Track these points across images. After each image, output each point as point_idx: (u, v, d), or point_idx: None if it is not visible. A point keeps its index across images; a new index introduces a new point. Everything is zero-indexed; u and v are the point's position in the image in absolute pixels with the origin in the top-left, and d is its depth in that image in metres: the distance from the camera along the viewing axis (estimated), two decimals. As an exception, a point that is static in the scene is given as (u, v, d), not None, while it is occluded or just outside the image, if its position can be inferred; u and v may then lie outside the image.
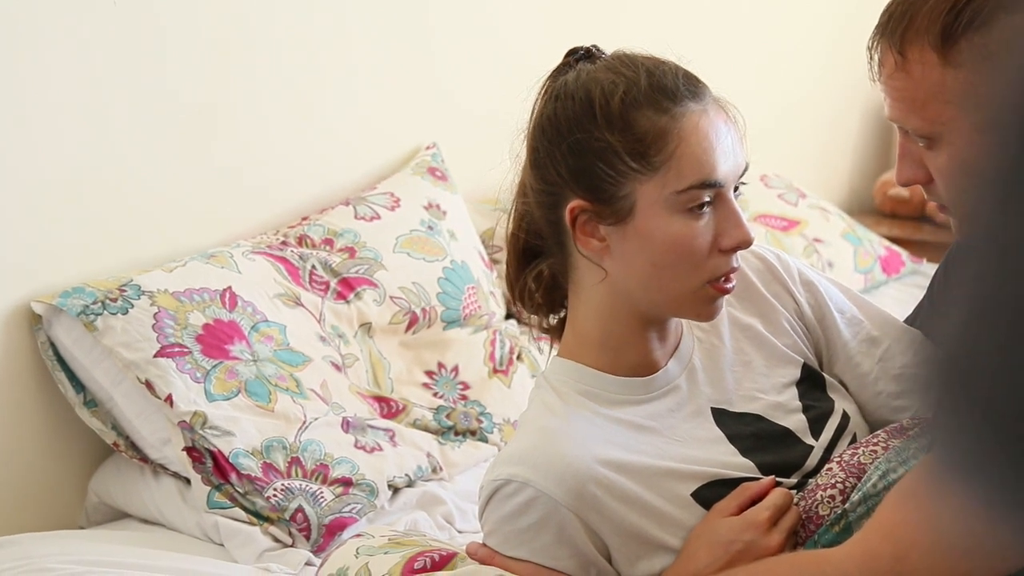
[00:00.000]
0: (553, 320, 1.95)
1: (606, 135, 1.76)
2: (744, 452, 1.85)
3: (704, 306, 1.82)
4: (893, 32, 1.74)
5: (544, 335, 2.00)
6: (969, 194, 0.74)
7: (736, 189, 1.81)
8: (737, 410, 1.89)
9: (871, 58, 1.79)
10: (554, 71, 1.87)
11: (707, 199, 1.77)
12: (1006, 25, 1.65)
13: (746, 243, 1.79)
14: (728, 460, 1.84)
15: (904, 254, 4.27)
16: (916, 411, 1.95)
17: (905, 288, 4.06)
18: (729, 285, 1.80)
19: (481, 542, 1.86)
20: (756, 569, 1.74)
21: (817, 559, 1.72)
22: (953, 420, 0.71)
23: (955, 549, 1.56)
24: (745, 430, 1.87)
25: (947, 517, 1.46)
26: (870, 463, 1.78)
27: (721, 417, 1.88)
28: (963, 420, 0.70)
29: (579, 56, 1.87)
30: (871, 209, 4.87)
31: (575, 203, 1.79)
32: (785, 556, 1.75)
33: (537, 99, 1.87)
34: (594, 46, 1.88)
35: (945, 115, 1.71)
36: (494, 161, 1.91)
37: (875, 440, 1.83)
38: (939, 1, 1.70)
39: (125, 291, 2.68)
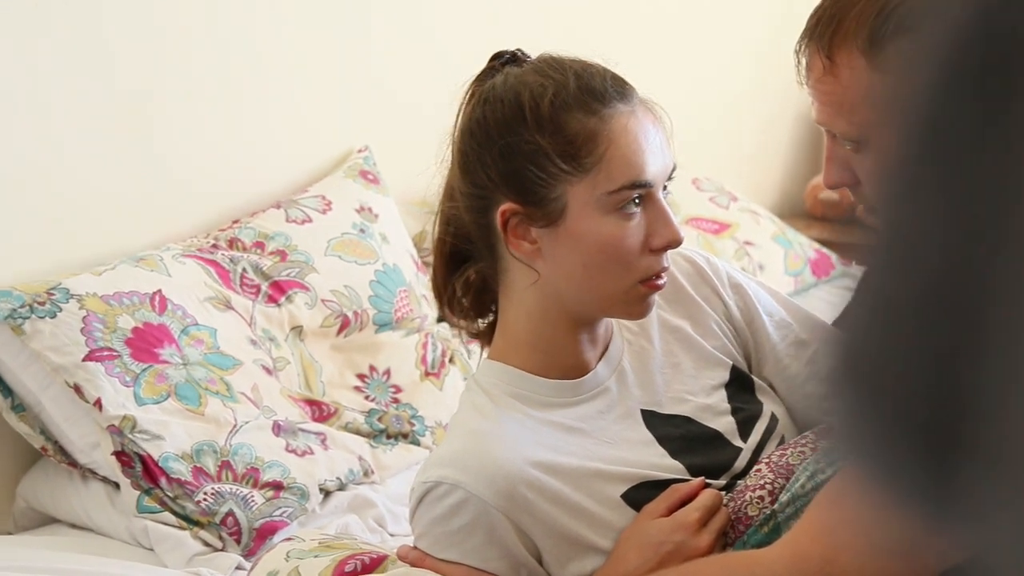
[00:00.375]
0: (482, 324, 1.96)
1: (536, 138, 1.77)
2: (673, 454, 1.86)
3: (636, 305, 1.83)
4: (822, 36, 1.75)
5: (473, 340, 2.00)
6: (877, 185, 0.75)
7: (665, 189, 1.82)
8: (666, 412, 1.90)
9: (799, 61, 1.80)
10: (479, 75, 1.88)
11: (637, 199, 1.77)
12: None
13: (676, 242, 1.80)
14: (657, 462, 1.84)
15: (834, 257, 4.29)
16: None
17: (835, 291, 4.08)
18: (660, 283, 1.82)
19: (412, 545, 1.86)
20: (687, 570, 1.75)
21: (747, 560, 1.73)
22: (857, 416, 0.72)
23: (883, 550, 1.57)
24: (674, 432, 1.88)
25: (872, 517, 1.47)
26: (798, 464, 1.79)
27: (651, 419, 1.89)
28: (865, 416, 0.71)
29: (504, 60, 1.87)
30: (802, 212, 4.89)
31: (506, 206, 1.79)
32: (715, 557, 1.76)
33: (463, 103, 1.87)
34: (519, 50, 1.88)
35: (871, 119, 1.71)
36: (426, 164, 1.91)
37: (803, 441, 1.84)
38: (867, 5, 1.71)
39: (53, 295, 2.66)
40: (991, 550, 0.68)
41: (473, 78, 1.88)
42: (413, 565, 1.82)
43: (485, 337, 1.97)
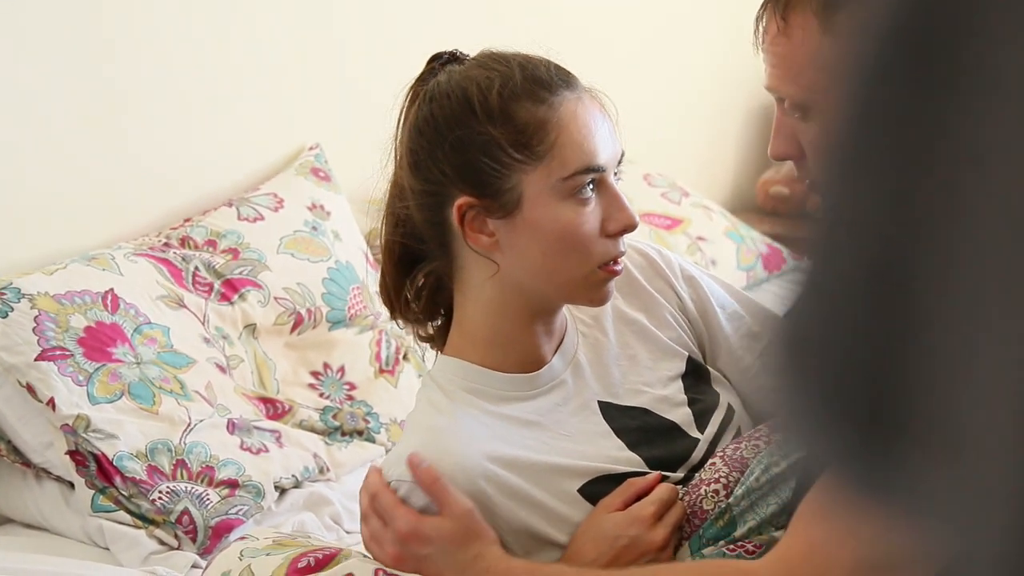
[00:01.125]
0: (431, 329, 1.96)
1: (488, 128, 1.77)
2: (631, 446, 1.87)
3: (596, 291, 1.84)
4: None
5: (425, 342, 2.00)
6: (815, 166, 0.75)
7: (616, 175, 1.84)
8: (624, 403, 1.90)
9: (757, 28, 1.81)
10: (419, 77, 1.88)
11: (591, 184, 1.79)
12: None
13: (632, 226, 1.81)
14: (615, 454, 1.85)
15: (786, 251, 4.31)
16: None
17: (787, 285, 4.10)
18: (618, 268, 1.83)
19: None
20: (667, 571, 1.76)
21: (735, 571, 1.73)
22: (802, 401, 0.72)
23: (873, 565, 1.57)
24: (631, 424, 1.89)
25: (856, 530, 1.48)
26: (752, 457, 1.80)
27: (608, 410, 1.89)
28: (810, 401, 0.71)
29: (444, 60, 1.88)
30: (753, 207, 4.91)
31: (462, 200, 1.79)
32: (699, 564, 1.77)
33: (404, 105, 1.87)
34: (457, 50, 1.89)
35: (820, 83, 1.73)
36: (378, 161, 1.91)
37: (757, 435, 1.85)
38: None
39: (4, 294, 2.65)
40: (953, 537, 0.68)
41: (413, 80, 1.89)
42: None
43: (434, 341, 1.97)
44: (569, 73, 1.85)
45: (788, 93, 1.77)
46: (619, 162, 1.85)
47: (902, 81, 0.66)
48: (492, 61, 1.84)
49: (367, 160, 1.92)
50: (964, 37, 0.64)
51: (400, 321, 1.95)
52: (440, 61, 1.89)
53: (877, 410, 0.68)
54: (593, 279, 1.82)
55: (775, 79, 1.79)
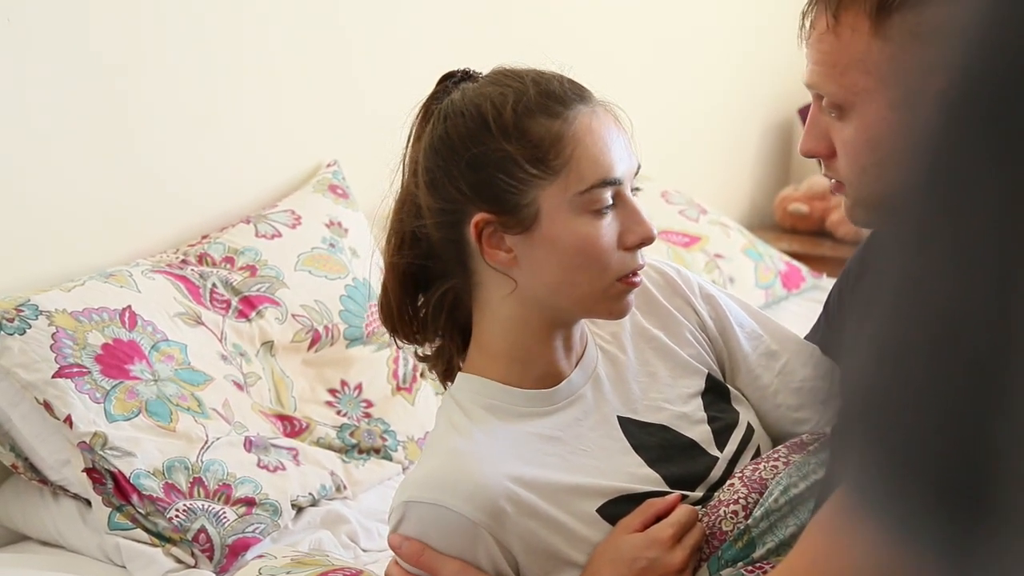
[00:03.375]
0: (429, 349, 1.96)
1: (504, 145, 1.77)
2: (650, 463, 1.86)
3: (616, 303, 1.83)
4: None
5: (422, 363, 2.00)
6: (882, 228, 0.73)
7: (633, 189, 1.83)
8: (643, 420, 1.90)
9: (803, 23, 1.80)
10: (431, 96, 1.88)
11: (609, 198, 1.78)
12: (940, 9, 1.66)
13: (649, 238, 1.81)
14: (634, 471, 1.84)
15: (804, 269, 4.30)
16: (815, 425, 1.97)
17: (806, 303, 4.09)
18: (637, 280, 1.82)
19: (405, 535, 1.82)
20: None
21: None
22: (867, 469, 0.70)
23: None
24: (651, 440, 1.88)
25: (866, 551, 1.46)
26: (771, 478, 1.79)
27: (627, 426, 1.89)
28: (876, 469, 0.69)
29: (457, 79, 1.88)
30: (771, 224, 4.91)
31: (479, 217, 1.79)
32: None
33: (414, 124, 1.87)
34: (469, 68, 1.89)
35: (862, 85, 1.72)
36: (389, 181, 1.91)
37: (776, 455, 1.85)
38: None
39: (22, 311, 2.65)
40: None
41: (424, 98, 1.89)
42: (409, 558, 1.79)
43: (433, 361, 1.97)
44: (583, 87, 1.85)
45: (828, 91, 1.76)
46: (635, 175, 1.85)
47: (976, 146, 0.65)
48: (505, 78, 1.84)
49: (385, 177, 1.92)
50: None
51: (399, 341, 1.95)
52: (453, 80, 1.89)
53: (953, 482, 0.66)
54: (612, 291, 1.82)
55: (817, 76, 1.78)
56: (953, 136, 0.66)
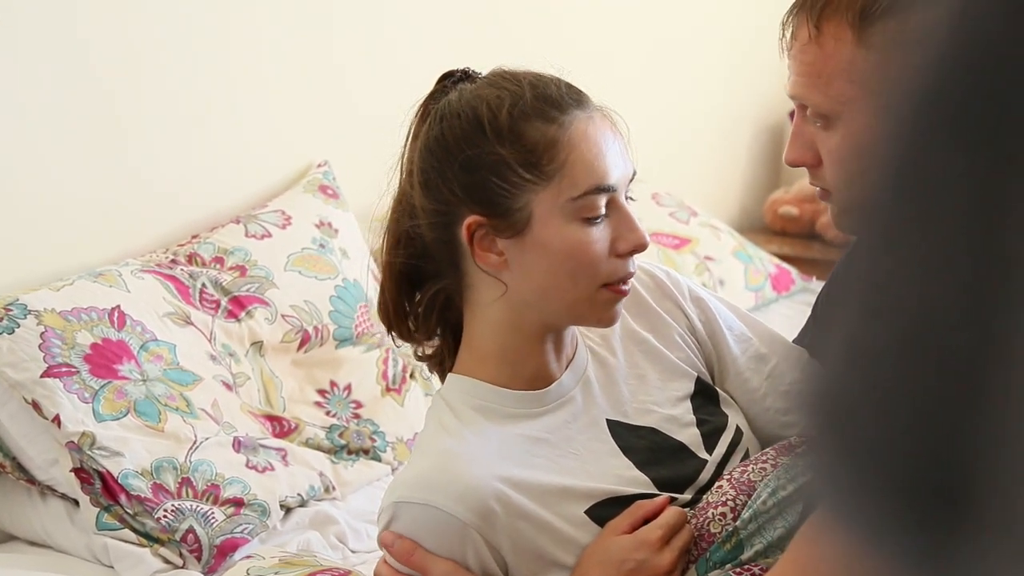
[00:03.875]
0: (428, 348, 1.95)
1: (497, 149, 1.77)
2: (639, 465, 1.86)
3: (604, 311, 1.83)
4: (814, 5, 1.75)
5: (421, 361, 2.00)
6: (854, 226, 0.72)
7: (628, 197, 1.83)
8: (632, 422, 1.90)
9: (783, 34, 1.80)
10: (429, 95, 1.88)
11: (602, 204, 1.78)
12: (923, 16, 1.66)
13: (642, 246, 1.81)
14: (623, 474, 1.84)
15: (794, 272, 4.30)
16: (803, 428, 1.97)
17: (795, 306, 4.09)
18: (625, 288, 1.82)
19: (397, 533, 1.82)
20: None
21: None
22: (837, 472, 0.70)
23: None
24: (640, 443, 1.88)
25: (847, 565, 1.46)
26: (759, 480, 1.79)
27: (616, 429, 1.89)
28: (846, 472, 0.69)
29: (456, 79, 1.87)
30: (762, 227, 4.91)
31: (471, 219, 1.79)
32: None
33: (412, 123, 1.87)
34: (469, 68, 1.89)
35: (847, 94, 1.72)
36: (386, 179, 1.91)
37: (764, 458, 1.85)
38: None
39: (11, 310, 2.64)
40: None
41: (423, 97, 1.88)
42: (400, 556, 1.78)
43: (431, 359, 1.97)
44: (580, 91, 1.85)
45: (814, 102, 1.76)
46: (630, 181, 1.84)
47: (947, 146, 0.65)
48: (503, 80, 1.83)
49: (375, 178, 1.91)
50: (1017, 100, 0.63)
51: (397, 340, 1.95)
52: (452, 79, 1.88)
53: (926, 485, 0.66)
54: (600, 299, 1.81)
55: (801, 87, 1.78)
56: (921, 137, 0.66)
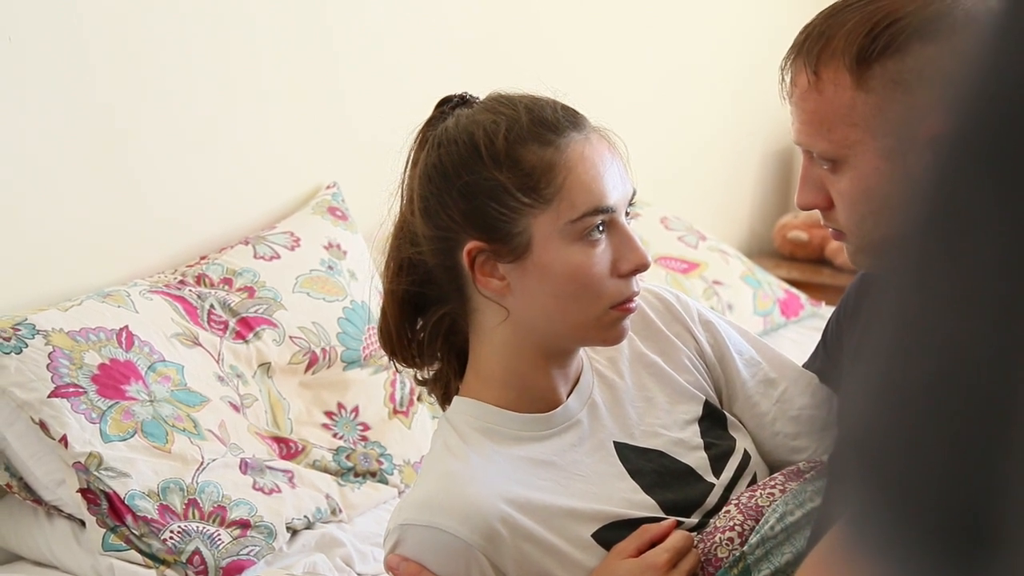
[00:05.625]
0: (428, 373, 1.95)
1: (495, 174, 1.77)
2: (646, 489, 1.85)
3: (610, 330, 1.83)
4: (810, 51, 1.75)
5: (421, 387, 2.00)
6: (880, 263, 0.72)
7: (628, 215, 1.83)
8: (640, 445, 1.89)
9: (783, 79, 1.80)
10: (428, 121, 1.88)
11: (601, 225, 1.78)
12: (920, 54, 1.66)
13: (643, 265, 1.80)
14: (630, 497, 1.84)
15: (803, 297, 4.30)
16: (812, 453, 1.96)
17: (804, 331, 4.08)
18: (632, 306, 1.82)
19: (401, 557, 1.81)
20: None
21: None
22: (866, 509, 0.69)
23: None
24: (647, 466, 1.88)
25: None
26: (767, 505, 1.79)
27: (623, 451, 1.88)
28: (875, 509, 0.69)
29: (454, 104, 1.88)
30: (770, 252, 4.91)
31: (472, 245, 1.79)
32: None
33: (412, 149, 1.87)
34: (466, 93, 1.89)
35: (851, 138, 1.71)
36: (388, 205, 1.91)
37: (772, 483, 1.84)
38: (858, 24, 1.71)
39: (19, 330, 2.64)
40: None
41: (422, 123, 1.89)
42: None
43: (432, 384, 1.96)
44: (576, 113, 1.84)
45: (819, 149, 1.75)
46: (631, 201, 1.84)
47: (978, 184, 0.64)
48: (499, 104, 1.83)
49: (384, 200, 1.91)
50: None
51: (399, 364, 1.94)
52: (449, 104, 1.88)
53: (956, 522, 0.65)
54: (606, 319, 1.81)
55: (805, 135, 1.77)
56: (953, 176, 0.66)
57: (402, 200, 1.88)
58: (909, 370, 0.67)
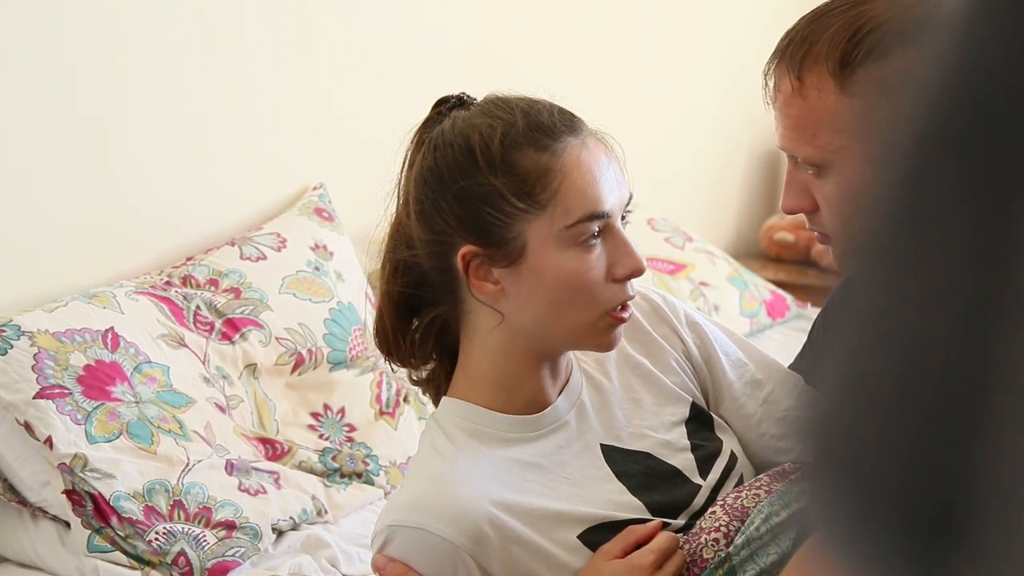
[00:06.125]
0: (424, 372, 1.95)
1: (490, 179, 1.76)
2: (633, 490, 1.85)
3: (603, 336, 1.82)
4: (793, 56, 1.75)
5: (416, 386, 1.99)
6: (850, 258, 0.71)
7: (623, 219, 1.82)
8: (627, 447, 1.89)
9: (766, 84, 1.79)
10: (424, 122, 1.87)
11: (596, 231, 1.77)
12: (903, 58, 1.66)
13: (639, 271, 1.80)
14: (616, 499, 1.84)
15: (789, 298, 4.30)
16: (797, 454, 1.96)
17: (790, 332, 4.09)
18: (626, 314, 1.81)
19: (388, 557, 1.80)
20: None
21: None
22: (833, 501, 0.70)
23: None
24: (634, 468, 1.87)
25: None
26: (753, 506, 1.79)
27: (610, 453, 1.88)
28: (843, 501, 0.69)
29: (451, 105, 1.87)
30: (757, 253, 4.91)
31: (466, 249, 1.78)
32: None
33: (408, 150, 1.86)
34: (464, 94, 1.88)
35: (836, 143, 1.71)
36: (381, 202, 1.91)
37: (758, 484, 1.84)
38: (840, 28, 1.71)
39: (4, 331, 2.64)
40: None
41: (419, 124, 1.88)
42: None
43: (427, 384, 1.96)
44: (574, 116, 1.84)
45: (804, 154, 1.75)
46: (627, 205, 1.84)
47: (945, 176, 0.64)
48: (495, 107, 1.82)
49: (371, 201, 1.91)
50: (1019, 129, 0.62)
51: (395, 364, 1.94)
52: (447, 105, 1.87)
53: (923, 514, 0.65)
54: (600, 325, 1.81)
55: (790, 140, 1.77)
56: (920, 169, 0.66)
57: (398, 201, 1.88)
58: (876, 365, 0.67)
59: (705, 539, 1.79)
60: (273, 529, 2.71)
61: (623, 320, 1.82)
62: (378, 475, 2.96)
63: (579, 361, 1.94)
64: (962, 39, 0.65)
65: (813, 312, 4.10)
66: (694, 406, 1.96)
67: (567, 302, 1.78)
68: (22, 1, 2.83)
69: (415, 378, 1.97)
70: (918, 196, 0.66)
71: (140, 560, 2.54)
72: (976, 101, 0.64)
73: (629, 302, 1.82)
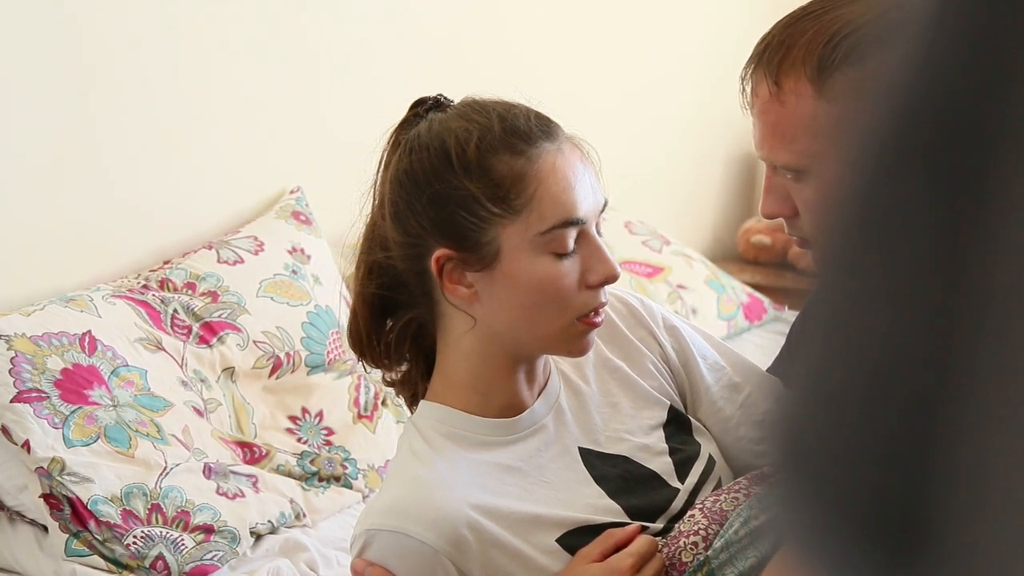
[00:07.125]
0: (397, 374, 1.95)
1: (465, 183, 1.76)
2: (611, 494, 1.85)
3: (575, 342, 1.82)
4: (770, 61, 1.74)
5: (389, 387, 1.99)
6: (816, 265, 0.72)
7: (598, 225, 1.82)
8: (605, 451, 1.89)
9: (743, 89, 1.79)
10: (401, 123, 1.87)
11: (571, 237, 1.77)
12: (883, 54, 1.66)
13: (613, 277, 1.80)
14: (595, 502, 1.84)
15: (766, 301, 4.31)
16: (771, 460, 1.96)
17: (768, 335, 4.10)
18: (598, 319, 1.81)
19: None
20: None
21: None
22: (801, 507, 0.70)
23: None
24: (612, 472, 1.87)
25: None
26: (732, 510, 1.79)
27: (588, 457, 1.88)
28: (810, 508, 0.69)
29: (428, 106, 1.86)
30: (734, 256, 4.92)
31: (440, 252, 1.78)
32: None
33: (385, 151, 1.86)
34: (441, 95, 1.88)
35: (813, 148, 1.71)
36: (359, 205, 1.90)
37: (737, 487, 1.84)
38: (817, 33, 1.70)
39: (-19, 335, 2.63)
40: None
41: (395, 125, 1.88)
42: None
43: (401, 385, 1.96)
44: (550, 122, 1.83)
45: (781, 160, 1.75)
46: (601, 211, 1.84)
47: (910, 184, 0.65)
48: (472, 111, 1.82)
49: (349, 204, 1.91)
50: (983, 133, 0.62)
51: (368, 365, 1.94)
52: (424, 107, 1.87)
53: (888, 521, 0.65)
54: (572, 331, 1.81)
55: (768, 147, 1.76)
56: (885, 170, 0.66)
57: (373, 202, 1.88)
58: (841, 369, 0.67)
59: (684, 542, 1.79)
60: (251, 533, 2.71)
61: (596, 325, 1.82)
62: (356, 479, 2.96)
63: (557, 364, 1.94)
64: (924, 45, 0.66)
65: (790, 315, 4.11)
66: (672, 409, 1.96)
67: (540, 307, 1.78)
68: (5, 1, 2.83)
69: (388, 379, 1.97)
70: (881, 202, 0.66)
71: (118, 564, 2.54)
72: (938, 108, 0.64)
73: (604, 307, 1.82)
